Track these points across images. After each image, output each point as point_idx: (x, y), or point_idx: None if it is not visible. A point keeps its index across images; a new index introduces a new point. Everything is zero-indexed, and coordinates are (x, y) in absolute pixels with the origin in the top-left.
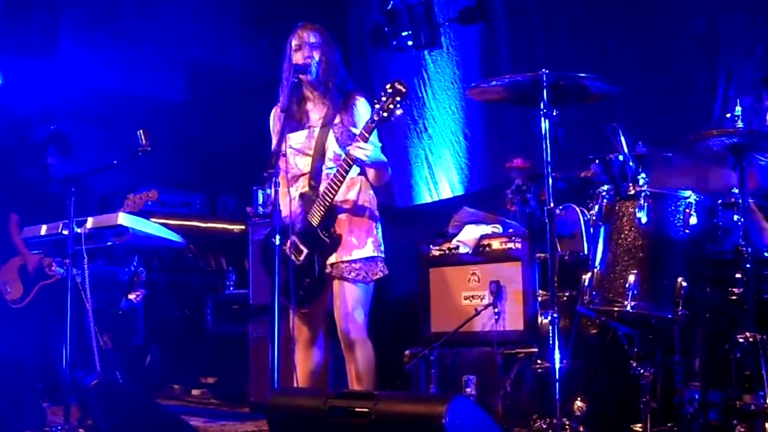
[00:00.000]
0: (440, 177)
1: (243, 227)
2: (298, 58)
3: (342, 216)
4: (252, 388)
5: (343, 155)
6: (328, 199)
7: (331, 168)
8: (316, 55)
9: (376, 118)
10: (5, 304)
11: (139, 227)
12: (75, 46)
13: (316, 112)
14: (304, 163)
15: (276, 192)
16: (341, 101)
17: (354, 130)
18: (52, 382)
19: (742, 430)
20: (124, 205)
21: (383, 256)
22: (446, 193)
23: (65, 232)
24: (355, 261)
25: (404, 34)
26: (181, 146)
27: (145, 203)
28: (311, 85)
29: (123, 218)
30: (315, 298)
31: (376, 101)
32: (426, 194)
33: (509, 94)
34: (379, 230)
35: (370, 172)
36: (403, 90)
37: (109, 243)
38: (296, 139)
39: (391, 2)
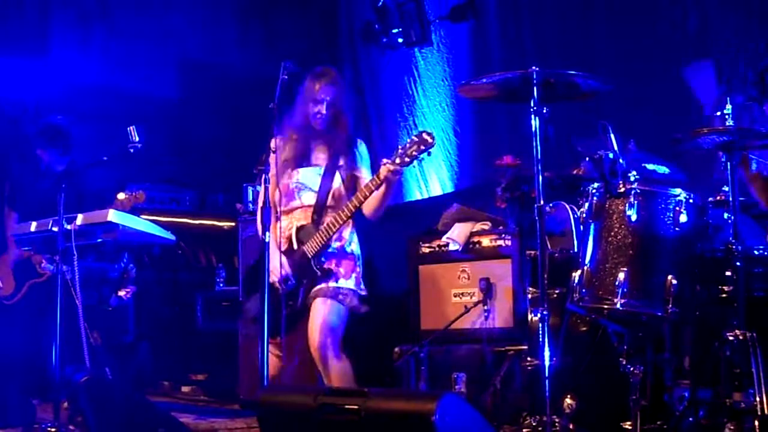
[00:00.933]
0: (430, 174)
1: (233, 224)
2: (314, 110)
3: (331, 251)
4: (242, 384)
5: (351, 194)
6: (330, 232)
7: (334, 207)
8: (331, 112)
9: (398, 161)
10: None
11: (129, 224)
12: (67, 43)
13: (322, 150)
14: (308, 198)
15: (266, 189)
16: (345, 144)
17: (357, 173)
18: (42, 378)
19: (731, 428)
20: (114, 204)
21: (364, 294)
22: (436, 191)
23: (55, 229)
24: (338, 288)
25: (395, 31)
26: (171, 143)
27: (134, 204)
28: (320, 130)
29: (113, 215)
30: (291, 329)
31: (400, 146)
32: (416, 191)
33: (500, 91)
34: (361, 269)
35: (375, 200)
36: (430, 141)
37: (99, 240)
38: (304, 174)
39: None
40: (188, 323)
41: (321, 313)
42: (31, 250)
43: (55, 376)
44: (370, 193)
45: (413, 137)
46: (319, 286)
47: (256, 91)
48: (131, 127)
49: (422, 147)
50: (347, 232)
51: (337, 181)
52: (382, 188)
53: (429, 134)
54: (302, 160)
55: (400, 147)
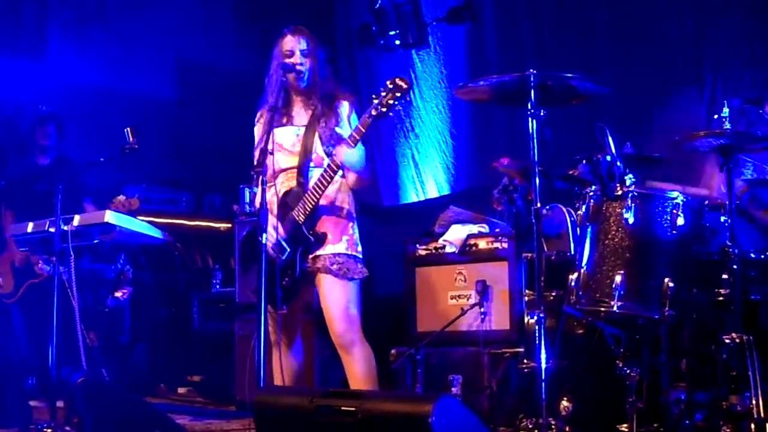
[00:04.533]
0: (427, 176)
1: (229, 225)
2: (289, 62)
3: (321, 214)
4: (238, 386)
5: (328, 158)
6: (315, 197)
7: (316, 167)
8: (307, 62)
9: (374, 113)
10: None
11: (126, 225)
12: (64, 45)
13: (301, 113)
14: (288, 161)
15: (263, 191)
16: (326, 103)
17: (339, 130)
18: (40, 379)
19: (727, 430)
20: (110, 206)
21: (361, 257)
22: (433, 193)
23: (52, 230)
24: (333, 255)
25: (392, 33)
26: (168, 144)
27: (127, 211)
28: (299, 89)
29: (110, 216)
30: (293, 298)
31: (374, 96)
32: (413, 193)
33: (497, 94)
34: (356, 231)
35: (350, 176)
36: (404, 86)
37: (95, 241)
38: (281, 136)
39: (379, 1)
40: (184, 324)
41: (336, 299)
42: (28, 250)
43: (51, 376)
44: (337, 165)
45: (387, 84)
46: (317, 255)
47: (254, 92)
48: (128, 128)
49: (397, 94)
50: (332, 191)
51: (317, 141)
52: (358, 146)
53: (402, 79)
54: (281, 120)
55: (374, 97)
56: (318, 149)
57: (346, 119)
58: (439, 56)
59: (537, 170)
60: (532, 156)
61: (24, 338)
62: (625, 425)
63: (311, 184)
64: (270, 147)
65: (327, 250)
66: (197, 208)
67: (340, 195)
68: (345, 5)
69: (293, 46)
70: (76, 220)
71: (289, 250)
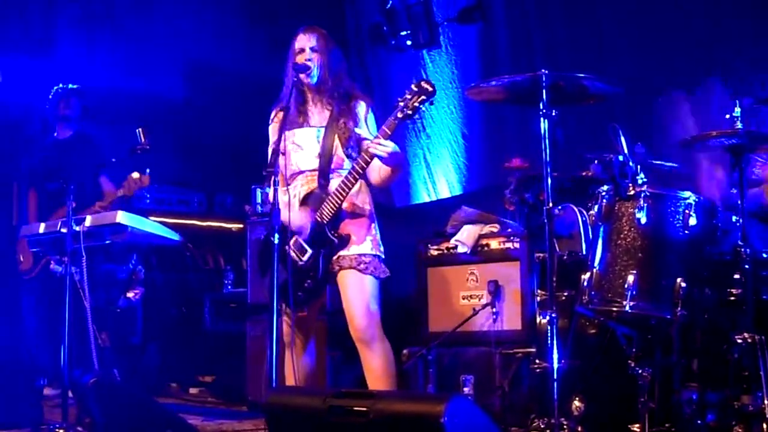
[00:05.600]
0: (438, 176)
1: (241, 226)
2: (299, 59)
3: (344, 216)
4: (249, 386)
5: (349, 160)
6: (340, 198)
7: (336, 170)
8: (317, 59)
9: (399, 115)
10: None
11: (138, 225)
12: (72, 45)
13: (317, 113)
14: (308, 163)
15: (275, 191)
16: (343, 103)
17: (358, 131)
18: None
19: (739, 430)
20: (122, 187)
21: (383, 257)
22: (444, 193)
23: (64, 230)
24: (359, 255)
25: (403, 33)
26: (179, 144)
27: (139, 188)
28: (312, 87)
29: (121, 216)
30: (314, 300)
31: (400, 99)
32: (424, 194)
33: (508, 94)
34: (378, 231)
35: (384, 171)
36: (430, 89)
37: (107, 241)
38: (300, 137)
39: (390, 1)
40: (196, 325)
41: (359, 294)
42: (40, 251)
43: (64, 377)
44: (367, 162)
45: (412, 87)
46: (341, 255)
47: (264, 93)
48: (139, 129)
49: (423, 97)
50: (353, 193)
51: (338, 142)
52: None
53: (428, 82)
54: (297, 121)
55: (400, 100)
56: (339, 151)
57: (364, 120)
58: (450, 56)
59: (549, 170)
60: (544, 156)
61: (34, 335)
62: (637, 425)
63: (333, 185)
64: (282, 147)
65: (352, 250)
66: (209, 208)
67: (361, 196)
68: (356, 5)
69: (304, 44)
70: (88, 220)
71: (311, 251)
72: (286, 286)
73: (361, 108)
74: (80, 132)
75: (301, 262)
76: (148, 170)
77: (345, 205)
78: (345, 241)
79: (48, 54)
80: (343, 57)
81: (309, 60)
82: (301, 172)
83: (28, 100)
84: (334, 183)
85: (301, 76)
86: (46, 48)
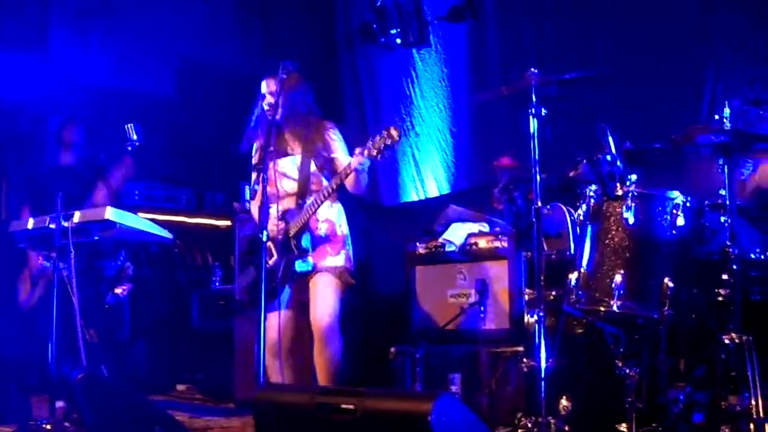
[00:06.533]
0: (427, 175)
1: (229, 223)
2: (264, 104)
3: (321, 233)
4: (237, 383)
5: (326, 181)
6: (310, 213)
7: (317, 191)
8: (280, 100)
9: (366, 153)
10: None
11: (127, 222)
12: (66, 41)
13: (295, 140)
14: (290, 186)
15: (264, 188)
16: (312, 131)
17: (334, 155)
18: (39, 375)
19: (727, 430)
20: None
21: (353, 270)
22: (433, 191)
23: (52, 226)
24: (334, 266)
25: (393, 31)
26: (169, 141)
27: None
28: (282, 122)
29: (110, 213)
30: (272, 301)
31: (370, 139)
32: (413, 192)
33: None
34: (351, 248)
35: (351, 182)
36: (396, 138)
37: (96, 237)
38: (282, 165)
39: None
40: (184, 322)
41: (322, 295)
42: (28, 246)
43: (51, 373)
44: (344, 178)
45: (382, 131)
46: (310, 268)
47: (255, 90)
48: (129, 125)
49: (388, 142)
50: (334, 214)
51: (314, 167)
52: (353, 174)
53: (396, 129)
54: (279, 151)
55: (369, 140)
56: (315, 174)
57: (333, 143)
58: (440, 55)
59: (538, 169)
60: (533, 155)
61: (25, 335)
62: (625, 425)
63: (309, 201)
64: (271, 148)
65: (328, 261)
66: (198, 205)
67: (339, 217)
68: (346, 3)
69: (265, 90)
70: (77, 216)
71: (276, 257)
72: (255, 284)
73: (329, 134)
74: (85, 159)
75: (268, 265)
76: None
77: (326, 224)
78: (304, 252)
79: (41, 50)
80: (307, 90)
81: (271, 104)
82: (288, 194)
83: (21, 96)
84: (310, 201)
85: (268, 114)
86: (40, 44)
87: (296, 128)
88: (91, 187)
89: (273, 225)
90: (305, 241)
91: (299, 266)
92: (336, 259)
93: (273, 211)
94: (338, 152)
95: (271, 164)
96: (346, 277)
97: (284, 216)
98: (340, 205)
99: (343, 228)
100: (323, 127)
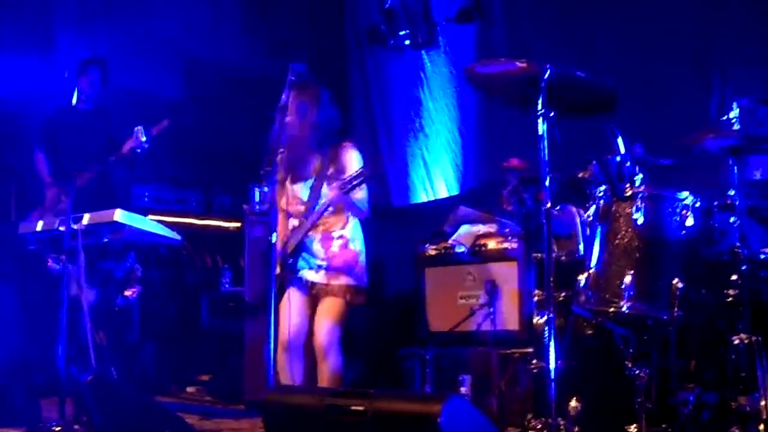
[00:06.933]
0: (437, 176)
1: (239, 225)
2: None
3: (334, 249)
4: (247, 385)
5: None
6: (298, 236)
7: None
8: (301, 122)
9: (340, 187)
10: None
11: (136, 224)
12: (70, 41)
13: (312, 162)
14: (299, 209)
15: (273, 190)
16: (330, 152)
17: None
18: (48, 377)
19: (737, 431)
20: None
21: (365, 287)
22: (442, 193)
23: (62, 229)
24: (339, 285)
25: (401, 33)
26: (177, 143)
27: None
28: (305, 144)
29: (119, 215)
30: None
31: (347, 176)
32: (422, 193)
33: (506, 87)
34: (364, 263)
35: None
36: (366, 175)
37: (105, 240)
38: (299, 190)
39: (389, 1)
40: (193, 323)
41: (325, 313)
42: (38, 249)
43: (60, 375)
44: (323, 211)
45: (358, 172)
46: (326, 282)
47: (263, 91)
48: (138, 128)
49: (360, 179)
50: (348, 230)
51: (324, 191)
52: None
53: (364, 169)
54: (295, 173)
55: (346, 177)
56: (324, 193)
57: (350, 163)
58: (448, 56)
59: (547, 171)
60: (542, 156)
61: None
62: (634, 426)
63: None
64: (281, 149)
65: (342, 280)
66: (207, 207)
67: (353, 233)
68: (354, 5)
69: (286, 104)
70: (86, 218)
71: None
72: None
73: (347, 153)
74: (100, 107)
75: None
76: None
77: (339, 243)
78: (292, 269)
79: (45, 51)
80: (329, 102)
81: (293, 125)
82: (297, 214)
83: (25, 96)
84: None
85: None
86: (46, 46)
87: (315, 149)
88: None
89: (281, 240)
90: (301, 262)
91: (311, 276)
92: (346, 277)
93: (281, 226)
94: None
95: (286, 183)
96: (352, 297)
97: (293, 231)
98: (357, 221)
99: (356, 245)
100: (341, 146)
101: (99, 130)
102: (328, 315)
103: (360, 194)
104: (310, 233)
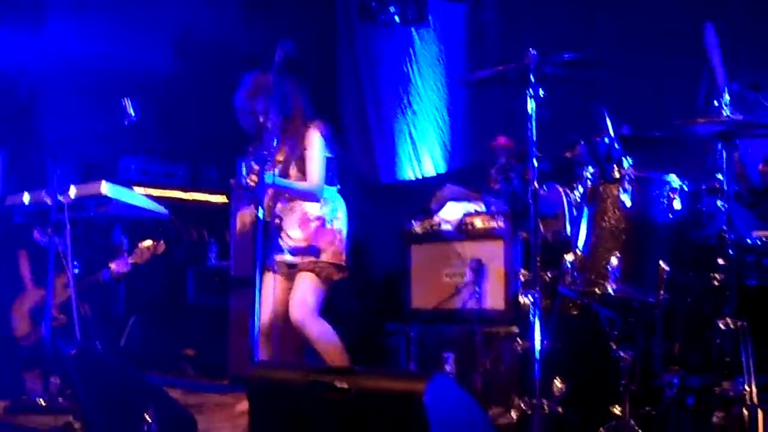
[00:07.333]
0: (423, 153)
1: (225, 199)
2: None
3: (311, 228)
4: (231, 360)
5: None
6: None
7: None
8: (263, 104)
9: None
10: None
11: (123, 198)
12: (63, 15)
13: (286, 143)
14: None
15: (262, 168)
16: (301, 131)
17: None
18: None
19: (719, 415)
20: (133, 254)
21: (343, 264)
22: (429, 170)
23: (48, 201)
24: (316, 262)
25: (392, 9)
26: (165, 116)
27: (152, 255)
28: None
29: (106, 188)
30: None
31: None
32: (409, 171)
33: (496, 79)
34: (344, 242)
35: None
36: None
37: (91, 213)
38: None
39: None
40: (179, 298)
41: (298, 289)
42: (24, 221)
43: (46, 348)
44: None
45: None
46: (300, 261)
47: (252, 66)
48: (126, 100)
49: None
50: (326, 209)
51: (294, 172)
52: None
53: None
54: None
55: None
56: (293, 172)
57: (312, 144)
58: (438, 34)
59: (534, 151)
60: (530, 136)
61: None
62: (618, 407)
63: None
64: (269, 125)
65: (315, 257)
66: (193, 180)
67: (331, 213)
68: None
69: (252, 107)
70: (73, 192)
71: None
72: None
73: (311, 134)
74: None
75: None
76: (162, 241)
77: (315, 224)
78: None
79: (37, 25)
80: (297, 88)
81: (256, 110)
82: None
83: (18, 69)
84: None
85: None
86: (36, 19)
87: (287, 129)
88: None
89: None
90: (280, 244)
91: (288, 257)
92: (322, 254)
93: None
94: (311, 150)
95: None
96: (329, 273)
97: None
98: (338, 199)
99: (335, 224)
100: (308, 126)
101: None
102: (297, 289)
103: (311, 175)
104: (287, 217)
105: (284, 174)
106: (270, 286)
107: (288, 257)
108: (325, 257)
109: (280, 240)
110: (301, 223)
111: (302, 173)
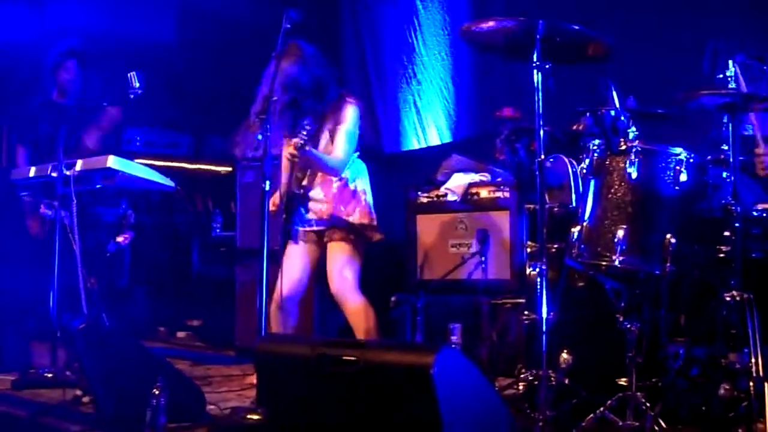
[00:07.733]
0: (428, 123)
1: (230, 169)
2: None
3: (335, 190)
4: (238, 331)
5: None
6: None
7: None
8: (294, 84)
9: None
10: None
11: (128, 170)
12: None
13: (320, 114)
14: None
15: (266, 137)
16: (332, 107)
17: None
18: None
19: (726, 387)
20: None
21: (374, 223)
22: (434, 140)
23: (54, 174)
24: (348, 226)
25: None
26: (169, 87)
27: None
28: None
29: (112, 161)
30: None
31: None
32: (414, 140)
33: (501, 42)
34: (368, 201)
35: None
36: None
37: (98, 186)
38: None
39: None
40: (184, 269)
41: (336, 258)
42: (30, 195)
43: (52, 321)
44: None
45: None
46: (326, 228)
47: (256, 36)
48: (132, 73)
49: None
50: (348, 172)
51: (323, 143)
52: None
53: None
54: (291, 131)
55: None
56: (323, 143)
57: (345, 119)
58: (442, 2)
59: (541, 122)
60: (537, 108)
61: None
62: (624, 379)
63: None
64: (275, 97)
65: (345, 221)
66: (198, 151)
67: (353, 174)
68: None
69: (280, 72)
70: (79, 164)
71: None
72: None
73: (347, 109)
74: (83, 101)
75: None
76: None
77: (337, 184)
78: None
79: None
80: (318, 64)
81: (284, 90)
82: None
83: (19, 44)
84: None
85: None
86: None
87: (317, 107)
88: (82, 128)
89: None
90: (302, 212)
91: (313, 223)
92: (351, 217)
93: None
94: (340, 125)
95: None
96: (359, 235)
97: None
98: (358, 162)
99: (357, 184)
100: (343, 100)
101: (81, 126)
102: (335, 260)
103: (338, 150)
104: (310, 183)
105: (314, 145)
106: (291, 257)
107: (315, 228)
108: (354, 219)
109: (304, 211)
110: (323, 183)
111: (332, 144)
